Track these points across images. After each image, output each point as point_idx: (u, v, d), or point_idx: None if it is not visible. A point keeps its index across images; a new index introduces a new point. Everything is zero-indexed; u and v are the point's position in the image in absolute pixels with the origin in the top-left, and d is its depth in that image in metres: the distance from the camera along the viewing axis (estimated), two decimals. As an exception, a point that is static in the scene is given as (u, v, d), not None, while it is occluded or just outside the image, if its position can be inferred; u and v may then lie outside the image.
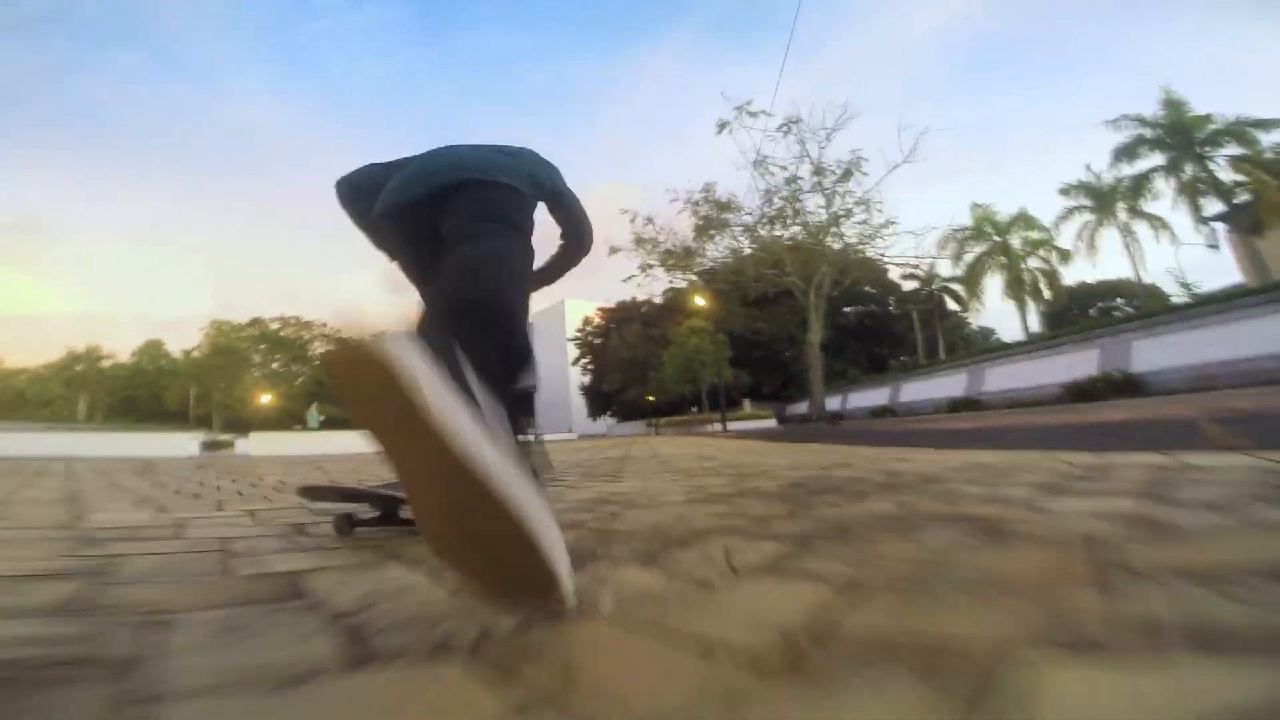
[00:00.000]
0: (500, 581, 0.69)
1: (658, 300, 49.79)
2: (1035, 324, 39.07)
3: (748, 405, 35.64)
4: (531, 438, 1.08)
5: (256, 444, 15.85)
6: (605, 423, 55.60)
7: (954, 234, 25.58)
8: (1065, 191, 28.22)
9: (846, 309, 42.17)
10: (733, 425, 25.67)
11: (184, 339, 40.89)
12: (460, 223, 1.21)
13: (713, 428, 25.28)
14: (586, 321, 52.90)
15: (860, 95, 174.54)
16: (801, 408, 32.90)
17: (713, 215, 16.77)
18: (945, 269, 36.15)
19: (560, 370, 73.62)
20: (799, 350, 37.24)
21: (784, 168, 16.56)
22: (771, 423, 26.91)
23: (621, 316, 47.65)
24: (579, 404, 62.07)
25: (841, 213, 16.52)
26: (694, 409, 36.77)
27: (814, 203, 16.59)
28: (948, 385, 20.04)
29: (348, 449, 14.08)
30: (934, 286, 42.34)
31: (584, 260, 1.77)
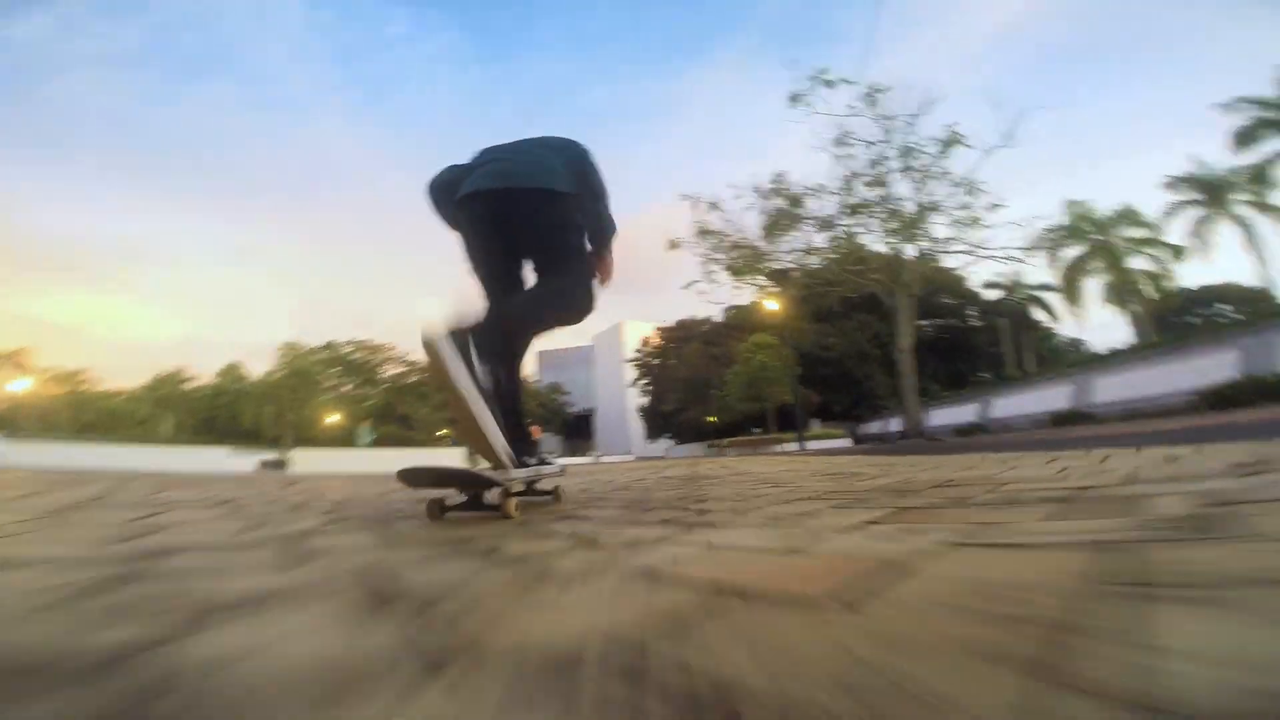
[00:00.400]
0: (483, 451, 1.55)
1: (719, 319, 49.01)
2: (1129, 334, 35.52)
3: (816, 425, 33.90)
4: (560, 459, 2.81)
5: (300, 460, 15.84)
6: (663, 444, 54.68)
7: (1048, 234, 23.28)
8: (1171, 185, 25.47)
9: (922, 321, 39.77)
10: (790, 445, 24.27)
11: (268, 362, 43.82)
12: (545, 244, 1.83)
13: (783, 448, 23.94)
14: (645, 342, 52.57)
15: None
16: (874, 427, 30.89)
17: (785, 209, 14.84)
18: (1034, 275, 33.49)
19: (618, 392, 73.43)
20: (870, 367, 35.18)
21: (870, 143, 14.20)
22: (846, 442, 25.20)
23: (681, 336, 46.99)
24: (637, 426, 61.47)
25: (934, 200, 14.06)
26: (755, 430, 35.34)
27: (903, 189, 14.37)
28: (1048, 398, 18.01)
29: (380, 467, 13.84)
30: (1019, 295, 39.31)
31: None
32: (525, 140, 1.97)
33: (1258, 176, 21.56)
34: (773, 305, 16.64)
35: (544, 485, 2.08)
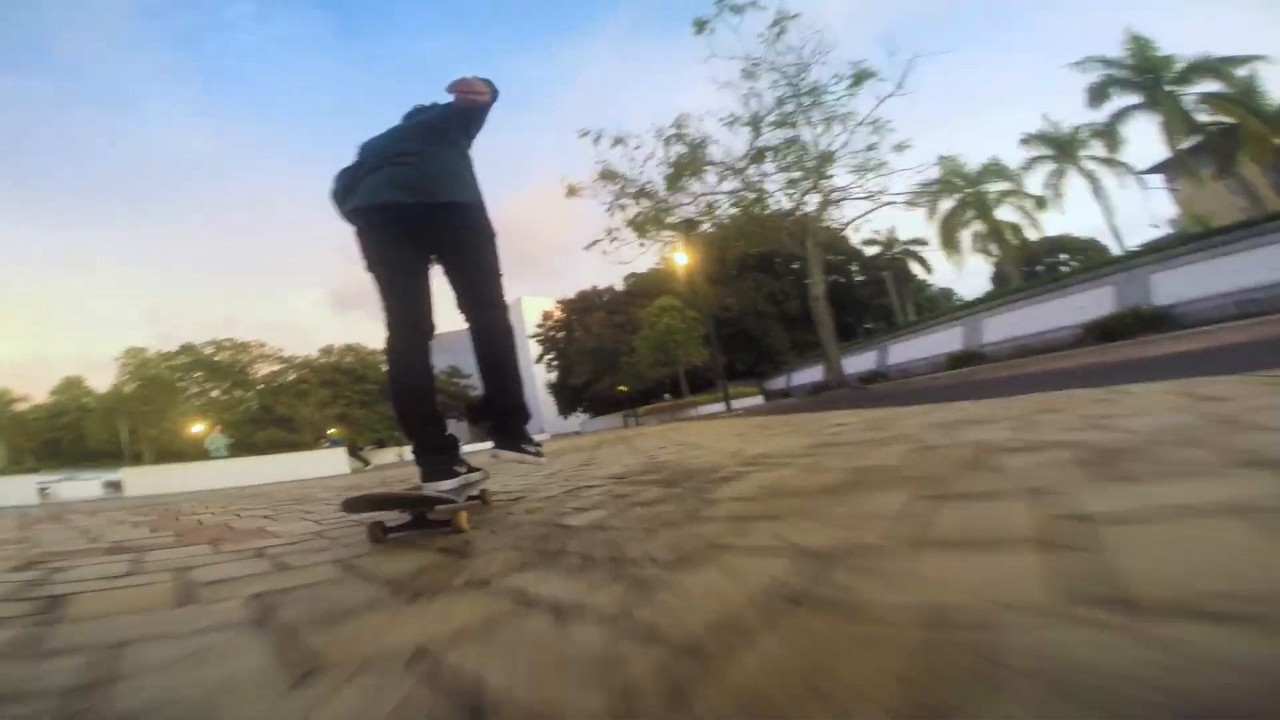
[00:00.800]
0: None
1: (620, 288, 47.80)
2: (988, 282, 38.85)
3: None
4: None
5: (133, 481, 12.63)
6: (578, 420, 53.27)
7: (928, 186, 24.25)
8: (1026, 141, 27.51)
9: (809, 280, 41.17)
10: (714, 406, 23.97)
11: (114, 374, 37.20)
12: (463, 256, 1.86)
13: (703, 410, 23.49)
14: (546, 316, 50.33)
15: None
16: (779, 383, 31.50)
17: (688, 155, 13.37)
18: (906, 230, 35.30)
19: (524, 370, 70.47)
20: (768, 324, 35.78)
21: (780, 77, 12.94)
22: (758, 400, 25.25)
23: (582, 307, 45.42)
24: (549, 403, 59.44)
25: (842, 142, 13.21)
26: (666, 396, 34.99)
27: (807, 133, 13.32)
28: (941, 341, 18.75)
29: (245, 478, 11.62)
30: (895, 250, 41.69)
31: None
32: (408, 129, 1.97)
33: (1106, 132, 23.58)
34: (681, 259, 15.26)
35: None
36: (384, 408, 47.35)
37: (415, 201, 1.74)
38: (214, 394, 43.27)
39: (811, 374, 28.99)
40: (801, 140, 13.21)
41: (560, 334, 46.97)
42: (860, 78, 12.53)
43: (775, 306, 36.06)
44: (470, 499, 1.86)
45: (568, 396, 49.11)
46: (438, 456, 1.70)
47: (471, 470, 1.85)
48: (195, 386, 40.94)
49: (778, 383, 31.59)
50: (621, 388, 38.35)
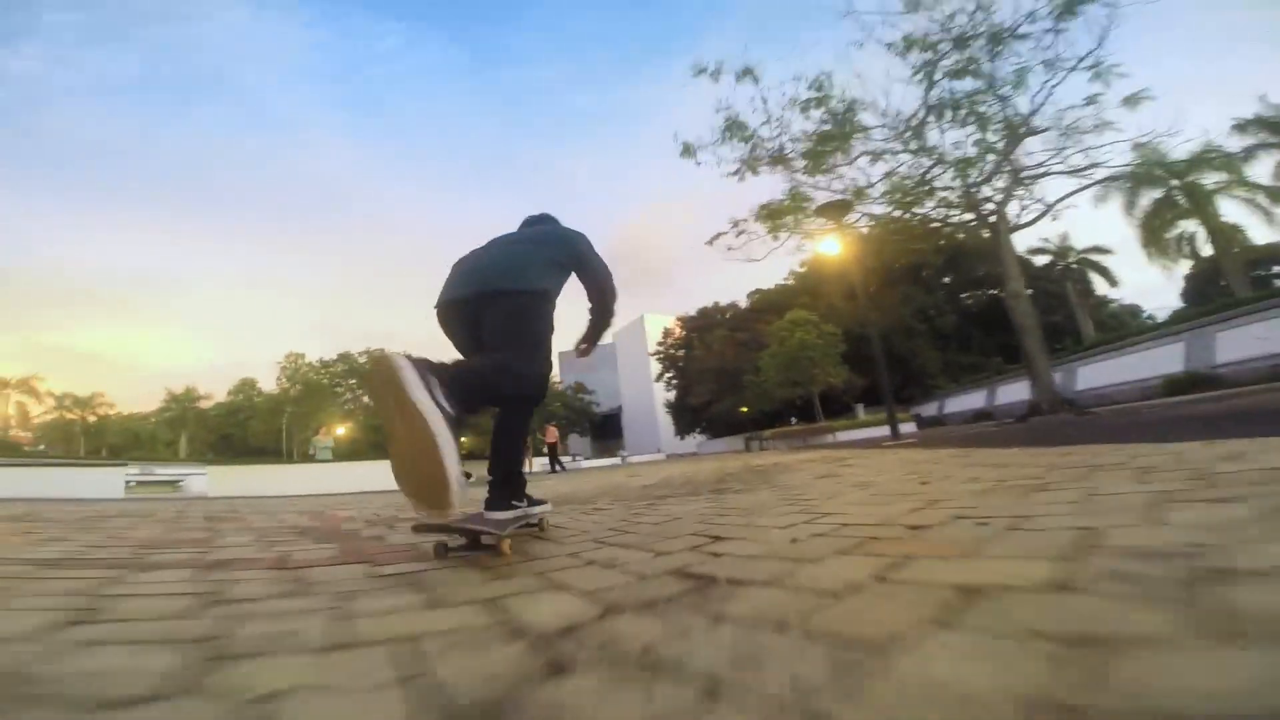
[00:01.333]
0: (424, 493, 1.39)
1: (743, 304, 46.24)
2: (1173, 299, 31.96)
3: (861, 411, 31.17)
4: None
5: (216, 480, 11.99)
6: (695, 440, 52.23)
7: (1117, 181, 20.15)
8: (1241, 127, 22.27)
9: (964, 295, 36.66)
10: (856, 433, 21.79)
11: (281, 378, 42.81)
12: (494, 341, 1.84)
13: (837, 437, 21.45)
14: (666, 334, 50.19)
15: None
16: (929, 409, 28.10)
17: (833, 123, 10.09)
18: (1082, 236, 29.99)
19: (644, 389, 71.18)
20: (917, 343, 32.17)
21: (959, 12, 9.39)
22: (909, 427, 22.65)
23: (703, 324, 44.61)
24: (666, 423, 59.10)
25: (1042, 97, 9.52)
26: (793, 419, 32.71)
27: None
28: (1153, 361, 15.28)
29: (329, 485, 11.26)
30: (1071, 260, 36.01)
31: (614, 311, 2.18)
32: (521, 233, 2.18)
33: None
34: (830, 247, 11.61)
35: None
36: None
37: (472, 292, 1.89)
38: (366, 399, 47.89)
39: (968, 401, 25.55)
40: (997, 83, 9.68)
41: (681, 352, 46.49)
42: (1071, 6, 8.90)
43: (925, 323, 32.57)
44: (525, 526, 1.96)
45: (686, 417, 48.32)
46: (502, 488, 1.83)
47: (534, 503, 1.96)
48: (349, 392, 45.56)
49: (928, 409, 28.24)
50: (744, 409, 36.77)
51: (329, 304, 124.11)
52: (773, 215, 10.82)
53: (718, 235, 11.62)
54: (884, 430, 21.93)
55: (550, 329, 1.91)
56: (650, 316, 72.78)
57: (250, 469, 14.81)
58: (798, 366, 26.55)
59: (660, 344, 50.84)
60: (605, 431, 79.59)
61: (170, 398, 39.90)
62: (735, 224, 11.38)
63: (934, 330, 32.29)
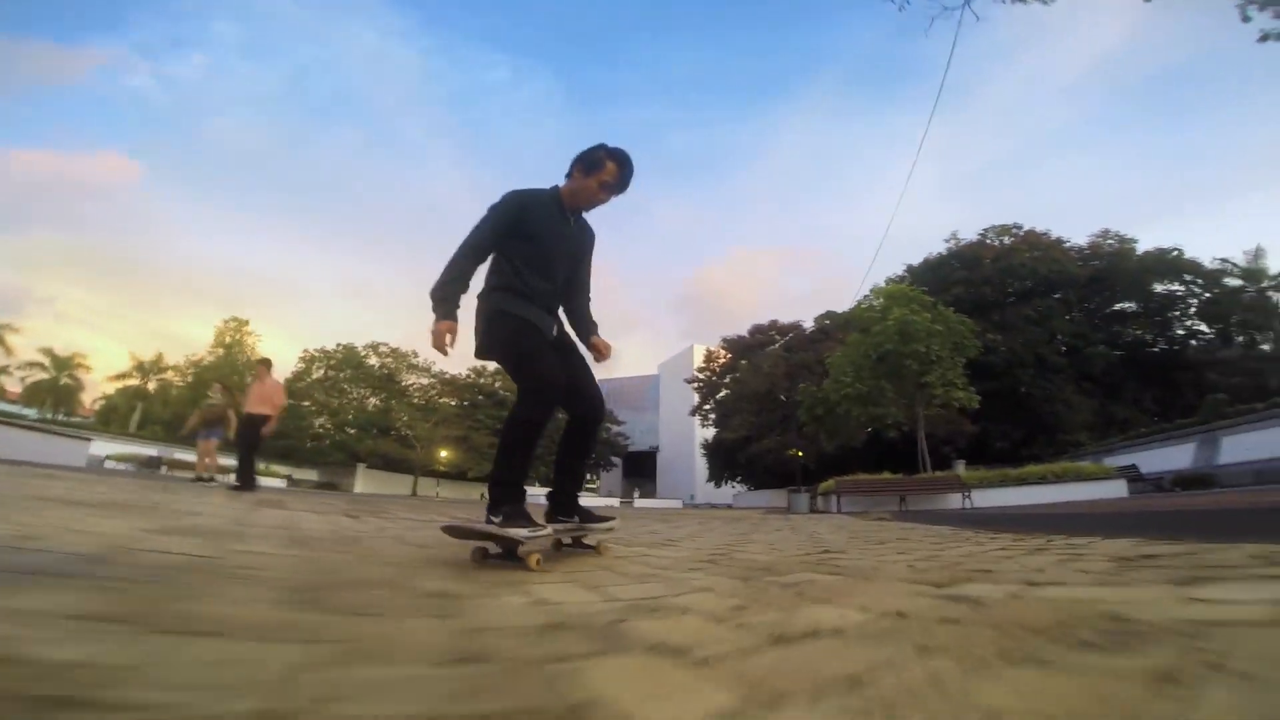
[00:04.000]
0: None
1: (807, 326, 37.31)
2: None
3: (961, 468, 21.07)
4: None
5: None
6: (731, 490, 42.96)
7: None
8: None
9: (1118, 329, 26.53)
10: (995, 493, 12.97)
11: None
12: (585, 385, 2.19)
13: (969, 500, 12.55)
14: (710, 358, 41.80)
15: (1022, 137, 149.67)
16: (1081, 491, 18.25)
17: None
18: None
19: (685, 428, 62.28)
20: (1054, 383, 22.43)
21: None
22: (1116, 486, 13.16)
23: (753, 345, 36.07)
24: (703, 467, 49.99)
25: None
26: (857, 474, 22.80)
27: None
28: None
29: None
30: (1267, 284, 25.53)
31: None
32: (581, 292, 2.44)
33: None
34: None
35: (588, 540, 2.27)
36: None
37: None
38: (368, 397, 42.96)
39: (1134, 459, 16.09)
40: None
41: (726, 379, 37.91)
42: None
43: (1067, 355, 22.95)
44: (567, 544, 2.23)
45: (723, 458, 39.41)
46: (518, 505, 1.87)
47: (588, 519, 2.16)
48: (350, 386, 40.60)
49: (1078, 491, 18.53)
50: (794, 452, 27.72)
51: (417, 326, 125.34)
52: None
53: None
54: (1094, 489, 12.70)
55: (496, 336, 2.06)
56: (701, 348, 64.57)
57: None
58: (897, 369, 16.05)
59: (700, 370, 42.64)
60: (637, 470, 70.99)
61: (135, 363, 35.42)
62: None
63: (1079, 367, 22.51)
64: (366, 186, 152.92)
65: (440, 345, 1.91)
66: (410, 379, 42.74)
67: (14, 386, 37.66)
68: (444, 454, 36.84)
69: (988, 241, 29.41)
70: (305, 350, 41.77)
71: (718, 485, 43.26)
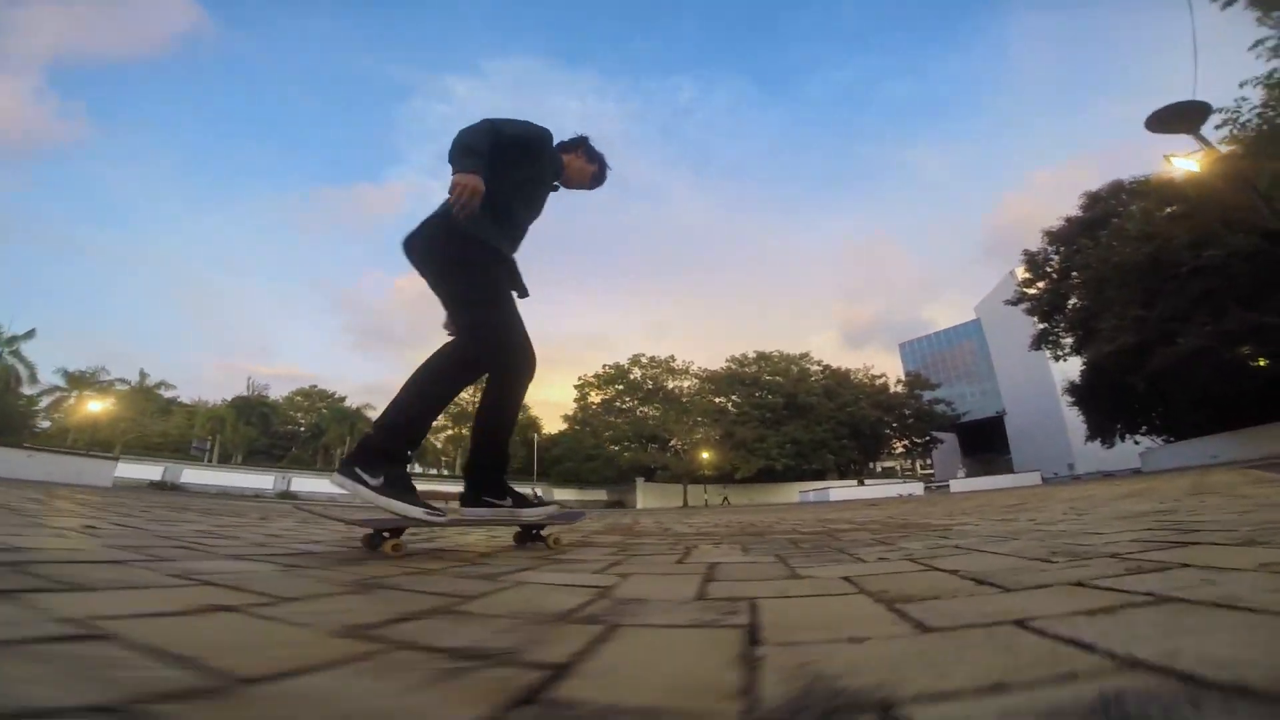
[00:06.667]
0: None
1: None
2: None
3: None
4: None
5: None
6: (1136, 446, 27.67)
7: None
8: None
9: None
10: None
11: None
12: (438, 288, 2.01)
13: None
14: (1034, 264, 28.61)
15: None
16: None
17: None
18: None
19: (1035, 378, 45.68)
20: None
21: None
22: None
23: (1090, 222, 22.97)
24: (1076, 425, 34.37)
25: None
26: None
27: None
28: None
29: None
30: None
31: None
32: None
33: None
34: None
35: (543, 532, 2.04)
36: (792, 428, 36.57)
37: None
38: (639, 408, 43.64)
39: None
40: None
41: (1069, 276, 25.08)
42: None
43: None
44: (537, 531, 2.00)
45: (1103, 398, 25.80)
46: (402, 470, 1.75)
47: (502, 505, 1.92)
48: (624, 401, 42.53)
49: None
50: (1258, 361, 15.23)
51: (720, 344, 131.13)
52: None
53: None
54: None
55: (465, 277, 1.91)
56: (1019, 270, 47.42)
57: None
58: None
59: (1022, 282, 30.02)
60: (983, 443, 55.55)
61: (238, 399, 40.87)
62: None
63: None
64: (640, 238, 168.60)
65: (468, 194, 1.67)
66: (672, 383, 41.69)
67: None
68: (705, 455, 33.59)
69: None
70: (580, 376, 44.70)
71: (1107, 443, 28.90)
